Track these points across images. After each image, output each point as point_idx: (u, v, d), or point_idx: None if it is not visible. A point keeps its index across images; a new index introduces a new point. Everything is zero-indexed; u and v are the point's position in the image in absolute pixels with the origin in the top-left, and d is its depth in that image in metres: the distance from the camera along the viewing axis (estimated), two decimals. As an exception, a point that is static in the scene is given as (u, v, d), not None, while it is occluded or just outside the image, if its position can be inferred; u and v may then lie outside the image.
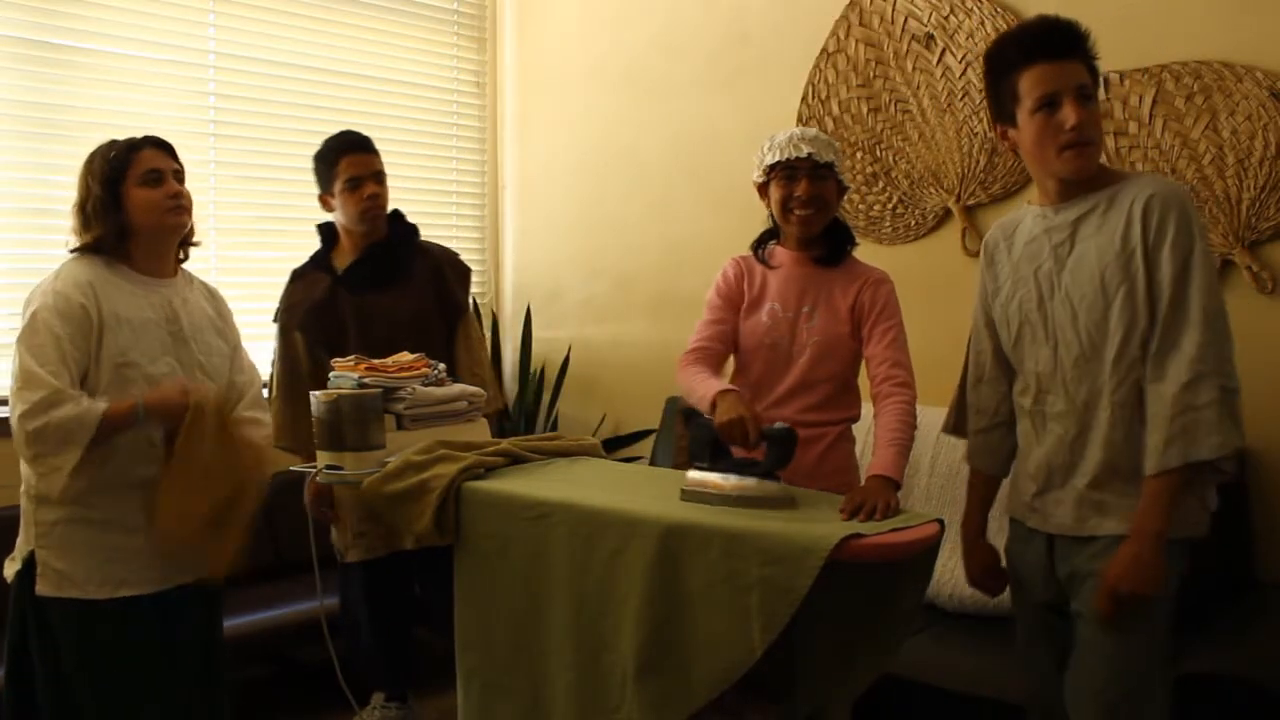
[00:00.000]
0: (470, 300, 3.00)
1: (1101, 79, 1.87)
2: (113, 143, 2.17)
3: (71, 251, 2.15)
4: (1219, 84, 2.65)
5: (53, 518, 2.05)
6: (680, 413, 2.01)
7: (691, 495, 1.90)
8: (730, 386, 2.03)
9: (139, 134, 2.19)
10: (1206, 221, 2.67)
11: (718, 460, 1.91)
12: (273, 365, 2.86)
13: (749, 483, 1.85)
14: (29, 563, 2.07)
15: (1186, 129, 2.70)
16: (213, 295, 2.33)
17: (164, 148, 2.18)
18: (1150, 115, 2.75)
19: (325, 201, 2.82)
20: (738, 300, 2.26)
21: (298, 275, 2.87)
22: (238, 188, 3.67)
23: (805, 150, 2.14)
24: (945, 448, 2.93)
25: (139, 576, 2.11)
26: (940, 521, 1.84)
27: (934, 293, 3.19)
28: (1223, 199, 2.66)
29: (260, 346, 3.63)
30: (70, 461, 1.99)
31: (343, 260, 2.83)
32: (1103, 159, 2.64)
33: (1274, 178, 2.58)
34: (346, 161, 2.75)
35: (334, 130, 3.79)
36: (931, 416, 3.01)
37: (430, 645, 2.91)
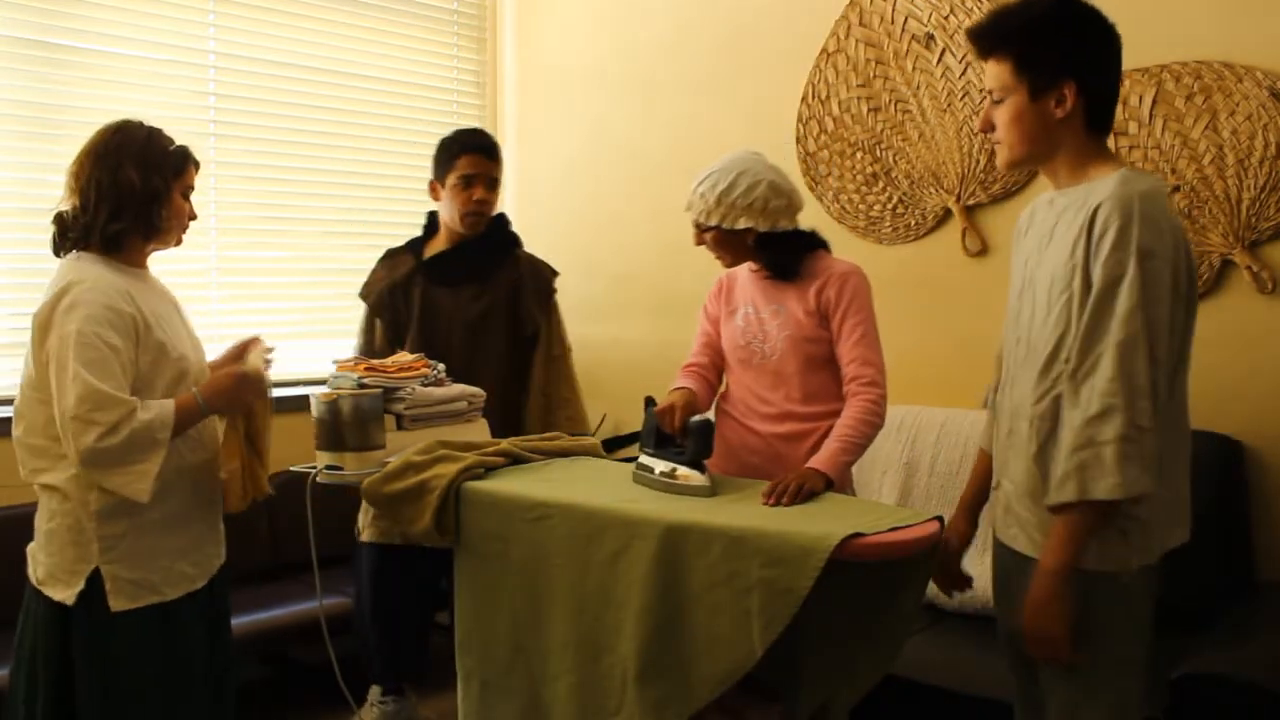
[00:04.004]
0: (554, 319, 2.92)
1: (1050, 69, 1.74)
2: (159, 132, 2.08)
3: (91, 245, 2.01)
4: (1219, 84, 2.65)
5: (119, 530, 1.98)
6: (644, 401, 2.22)
7: (637, 477, 2.11)
8: (685, 385, 2.29)
9: None
10: (1206, 222, 2.67)
11: (660, 446, 2.12)
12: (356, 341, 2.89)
13: (672, 468, 2.05)
14: (92, 582, 1.97)
15: (1186, 129, 2.70)
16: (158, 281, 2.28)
17: (198, 170, 2.15)
18: (1150, 115, 2.75)
19: (434, 189, 2.82)
20: (715, 315, 2.42)
21: (388, 255, 2.89)
22: (238, 188, 3.66)
23: (687, 208, 2.29)
24: (945, 448, 2.93)
25: (200, 568, 2.10)
26: (940, 519, 1.85)
27: (934, 293, 3.19)
28: (1223, 199, 2.65)
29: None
30: (158, 462, 1.93)
31: (433, 250, 2.84)
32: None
33: (1274, 178, 2.58)
34: (467, 159, 2.74)
35: (333, 129, 3.86)
36: (931, 417, 3.02)
37: (434, 643, 2.91)
